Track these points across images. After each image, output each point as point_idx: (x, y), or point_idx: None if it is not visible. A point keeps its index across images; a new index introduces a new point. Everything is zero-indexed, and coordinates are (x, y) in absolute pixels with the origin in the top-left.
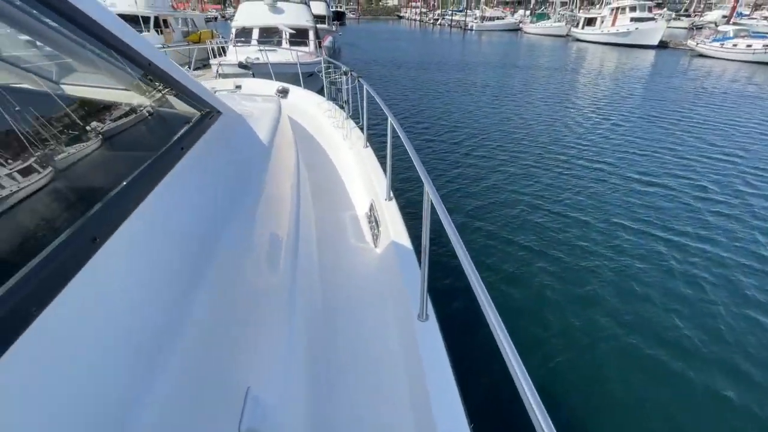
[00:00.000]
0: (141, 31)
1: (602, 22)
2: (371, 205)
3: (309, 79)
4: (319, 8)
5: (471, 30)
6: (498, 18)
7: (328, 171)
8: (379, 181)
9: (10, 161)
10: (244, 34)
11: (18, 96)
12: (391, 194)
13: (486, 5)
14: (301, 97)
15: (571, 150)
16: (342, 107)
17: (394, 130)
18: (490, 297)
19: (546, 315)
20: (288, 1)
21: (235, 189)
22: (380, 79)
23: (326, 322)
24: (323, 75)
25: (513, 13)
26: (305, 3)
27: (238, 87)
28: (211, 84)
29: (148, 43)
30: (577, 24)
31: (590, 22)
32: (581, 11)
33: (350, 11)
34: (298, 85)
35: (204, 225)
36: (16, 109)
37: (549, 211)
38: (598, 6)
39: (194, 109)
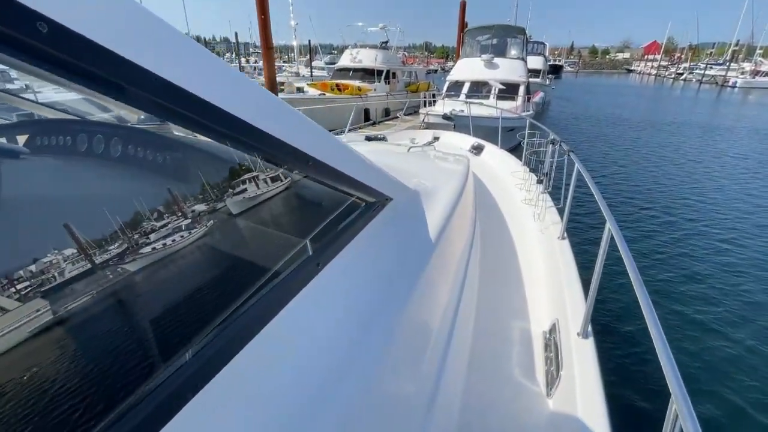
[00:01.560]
0: (373, 82)
1: None
2: (553, 327)
3: (509, 133)
4: (535, 62)
5: (733, 87)
6: None
7: (506, 258)
8: (573, 297)
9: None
10: (456, 87)
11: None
12: (590, 329)
13: (764, 57)
14: (495, 157)
15: None
16: (540, 181)
17: (611, 239)
18: None
19: None
20: (506, 57)
21: (380, 296)
22: (588, 137)
23: None
24: (525, 141)
25: None
26: (522, 59)
27: (437, 138)
28: (412, 134)
29: (318, 131)
30: None
31: None
32: None
33: (569, 65)
34: (496, 139)
35: (330, 351)
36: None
37: None
38: None
39: (359, 199)
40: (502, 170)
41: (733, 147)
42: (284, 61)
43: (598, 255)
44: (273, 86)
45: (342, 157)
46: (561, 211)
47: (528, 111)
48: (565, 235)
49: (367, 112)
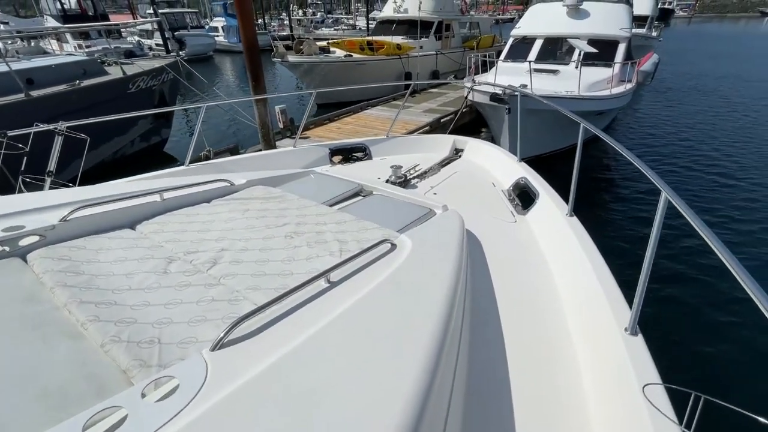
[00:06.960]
0: (418, 38)
1: None
2: None
3: (598, 118)
4: (643, 7)
5: None
6: None
7: None
8: None
9: None
10: (522, 47)
11: None
12: None
13: None
14: (547, 225)
15: None
16: None
17: None
18: None
19: None
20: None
21: None
22: (702, 126)
23: None
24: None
25: None
26: (627, 1)
27: (458, 153)
28: (416, 141)
29: None
30: None
31: None
32: None
33: (681, 8)
34: (569, 131)
35: None
36: None
37: None
38: None
39: None
40: (556, 265)
41: None
42: (344, 12)
43: None
44: (252, 49)
45: None
46: None
47: (629, 83)
48: None
49: (408, 76)
